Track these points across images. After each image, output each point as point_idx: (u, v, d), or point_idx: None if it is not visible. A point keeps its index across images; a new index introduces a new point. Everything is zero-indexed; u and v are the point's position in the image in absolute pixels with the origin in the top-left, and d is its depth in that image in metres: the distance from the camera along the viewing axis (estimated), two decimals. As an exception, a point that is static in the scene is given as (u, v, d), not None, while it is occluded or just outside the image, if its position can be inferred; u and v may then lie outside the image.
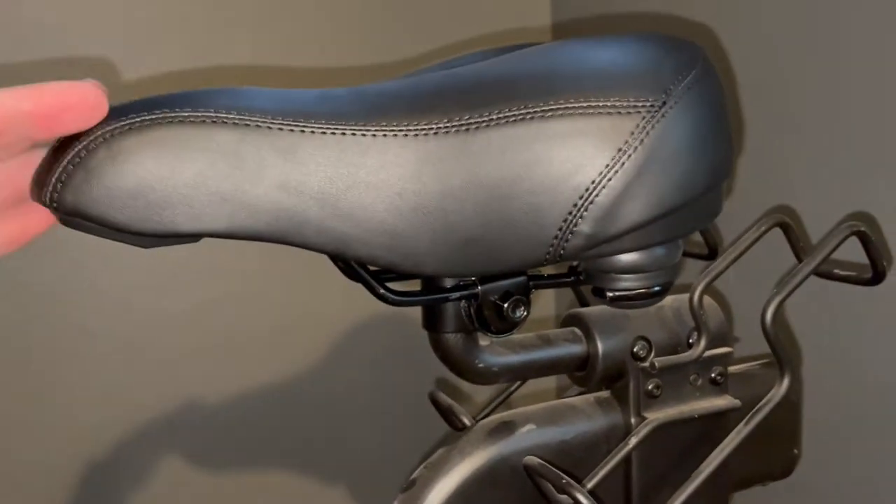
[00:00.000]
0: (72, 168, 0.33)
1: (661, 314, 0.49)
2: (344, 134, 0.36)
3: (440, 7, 0.96)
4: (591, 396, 0.49)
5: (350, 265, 0.41)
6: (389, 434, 0.99)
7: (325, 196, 0.36)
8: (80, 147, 0.34)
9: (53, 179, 0.34)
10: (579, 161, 0.38)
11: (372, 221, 0.37)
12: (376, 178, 0.36)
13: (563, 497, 0.41)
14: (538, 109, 0.38)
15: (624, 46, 0.42)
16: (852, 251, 0.47)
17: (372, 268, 0.40)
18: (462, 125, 0.37)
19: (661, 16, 0.80)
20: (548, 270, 0.44)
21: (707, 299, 0.48)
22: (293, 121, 0.36)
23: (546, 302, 1.03)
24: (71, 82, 0.34)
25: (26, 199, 0.37)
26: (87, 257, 0.85)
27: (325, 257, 0.42)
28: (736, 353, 0.51)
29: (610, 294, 0.44)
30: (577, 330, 0.48)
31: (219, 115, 0.35)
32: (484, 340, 0.45)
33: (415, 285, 0.43)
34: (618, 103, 0.39)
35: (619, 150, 0.38)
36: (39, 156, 0.36)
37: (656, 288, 0.44)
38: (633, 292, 0.44)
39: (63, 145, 0.34)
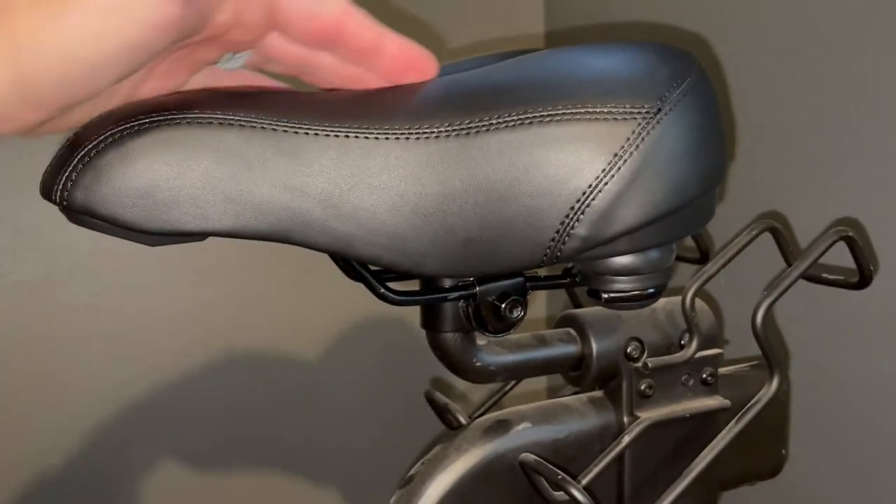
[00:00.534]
0: (81, 167, 0.34)
1: (654, 316, 0.50)
2: (347, 137, 0.37)
3: (434, 14, 0.97)
4: (584, 396, 0.50)
5: (351, 265, 0.42)
6: (385, 432, 1.00)
7: (328, 197, 0.37)
8: (89, 147, 0.34)
9: (63, 178, 0.34)
10: (576, 165, 0.39)
11: (374, 222, 0.37)
12: (378, 180, 0.37)
13: (559, 493, 0.42)
14: (537, 114, 0.39)
15: (621, 54, 0.43)
16: (840, 256, 0.48)
17: (373, 268, 0.41)
18: (463, 129, 0.38)
19: (652, 25, 0.81)
20: (544, 272, 0.45)
21: (698, 302, 0.49)
22: (298, 123, 0.37)
23: (538, 304, 1.04)
24: (414, 43, 0.39)
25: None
26: (83, 257, 0.86)
27: (321, 259, 0.43)
28: (726, 355, 0.52)
29: (605, 295, 0.45)
30: (571, 331, 0.49)
31: (226, 116, 0.36)
32: (481, 340, 0.46)
33: (414, 285, 0.44)
34: (614, 109, 0.40)
35: (616, 154, 0.39)
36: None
37: (651, 290, 0.45)
38: (628, 294, 0.44)
39: (73, 145, 0.35)
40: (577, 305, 0.57)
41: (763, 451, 0.55)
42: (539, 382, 1.00)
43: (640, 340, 0.49)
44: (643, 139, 0.40)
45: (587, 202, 0.39)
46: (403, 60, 0.39)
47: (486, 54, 0.46)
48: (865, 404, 0.62)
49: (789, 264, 0.48)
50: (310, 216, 0.36)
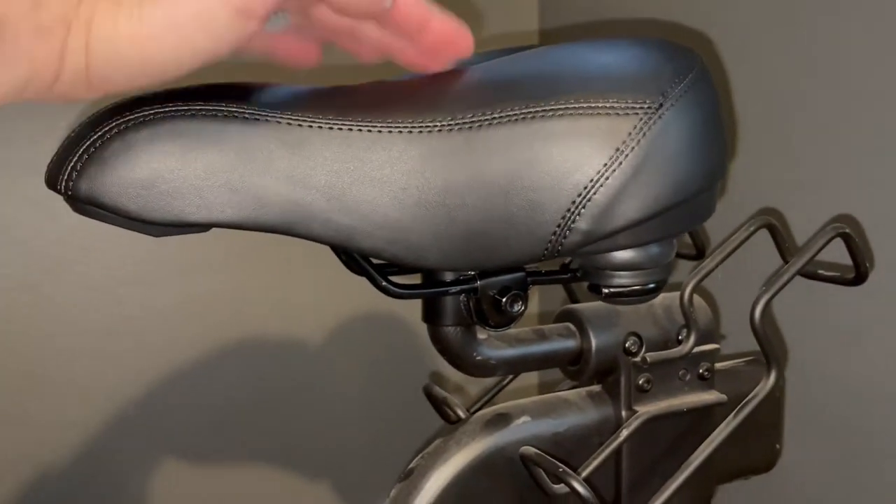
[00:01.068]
0: (87, 158, 0.34)
1: (653, 311, 0.50)
2: (351, 129, 0.37)
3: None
4: (583, 390, 0.50)
5: (353, 258, 0.42)
6: (384, 426, 1.00)
7: (331, 190, 0.37)
8: (94, 137, 0.34)
9: (69, 169, 0.34)
10: (578, 160, 0.39)
11: (376, 215, 0.38)
12: (381, 173, 0.37)
13: (559, 486, 0.42)
14: (539, 109, 0.39)
15: (623, 50, 0.43)
16: (836, 253, 0.49)
17: (375, 261, 0.41)
18: (465, 123, 0.39)
19: (648, 22, 0.82)
20: (545, 267, 0.45)
21: (696, 298, 0.50)
22: (301, 116, 0.37)
23: (531, 300, 1.04)
24: (455, 21, 0.40)
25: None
26: (77, 252, 0.85)
27: (321, 252, 0.43)
28: (722, 351, 0.52)
29: (606, 290, 0.45)
30: (571, 325, 0.49)
31: (230, 109, 0.36)
32: (482, 334, 0.46)
33: (416, 279, 0.44)
34: (616, 105, 0.40)
35: (617, 149, 0.40)
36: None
37: (651, 285, 0.45)
38: (629, 289, 0.45)
39: (78, 136, 0.35)
40: (574, 301, 0.57)
41: (758, 445, 0.55)
42: (531, 378, 1.00)
43: (638, 335, 0.49)
44: (645, 134, 0.40)
45: (589, 196, 0.40)
46: (445, 38, 0.40)
47: (489, 50, 0.46)
48: (857, 400, 0.63)
49: (786, 261, 0.49)
50: (312, 208, 0.37)
